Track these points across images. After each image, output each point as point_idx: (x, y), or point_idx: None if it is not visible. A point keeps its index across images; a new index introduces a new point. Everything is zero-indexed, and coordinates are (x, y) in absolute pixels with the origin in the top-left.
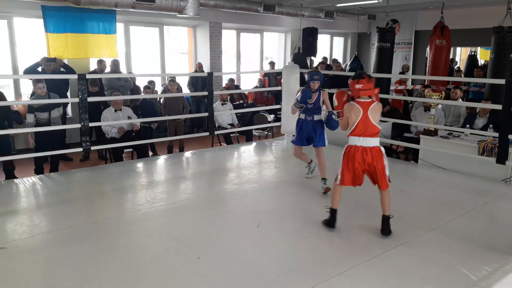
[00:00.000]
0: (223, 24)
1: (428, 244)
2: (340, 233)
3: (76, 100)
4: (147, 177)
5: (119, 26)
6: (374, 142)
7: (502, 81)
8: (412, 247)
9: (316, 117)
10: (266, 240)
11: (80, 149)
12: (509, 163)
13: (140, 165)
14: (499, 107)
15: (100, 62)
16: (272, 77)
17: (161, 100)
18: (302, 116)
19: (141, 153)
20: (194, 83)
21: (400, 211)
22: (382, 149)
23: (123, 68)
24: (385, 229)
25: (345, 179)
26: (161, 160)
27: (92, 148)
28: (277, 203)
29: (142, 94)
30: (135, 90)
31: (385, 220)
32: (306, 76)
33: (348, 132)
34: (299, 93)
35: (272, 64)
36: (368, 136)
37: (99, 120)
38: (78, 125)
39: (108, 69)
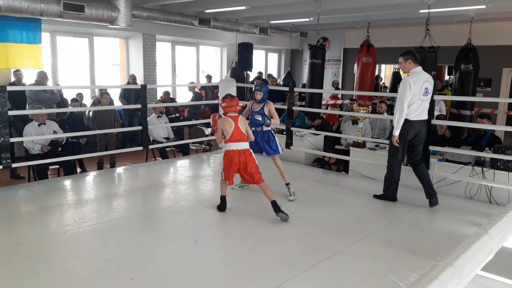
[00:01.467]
0: (157, 36)
1: (360, 252)
2: (276, 246)
3: None
4: (75, 195)
5: (45, 36)
6: (245, 145)
7: None
8: (345, 256)
9: (264, 128)
10: (203, 256)
11: (0, 167)
12: (432, 173)
13: (67, 182)
14: None
15: (16, 73)
16: (209, 91)
17: (90, 114)
18: (253, 127)
19: (68, 169)
20: (127, 95)
21: (332, 221)
22: (251, 150)
23: (49, 80)
24: (278, 210)
25: (226, 175)
26: (91, 176)
27: (13, 165)
28: (215, 218)
29: (70, 107)
30: (62, 103)
31: (273, 204)
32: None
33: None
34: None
35: (209, 77)
36: (240, 141)
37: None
38: None
39: (31, 81)
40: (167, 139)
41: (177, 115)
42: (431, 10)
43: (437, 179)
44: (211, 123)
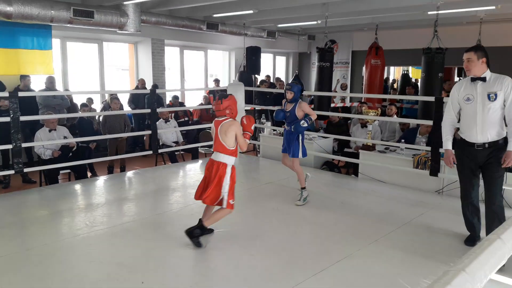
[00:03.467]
0: (166, 41)
1: (371, 256)
2: (286, 249)
3: (7, 119)
4: (86, 199)
5: (55, 42)
6: (221, 157)
7: (432, 99)
8: (355, 260)
9: (293, 128)
10: (213, 260)
11: (12, 172)
12: (441, 175)
13: (78, 186)
14: (430, 122)
15: (24, 78)
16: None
17: (100, 118)
18: (286, 126)
19: (79, 174)
20: (135, 100)
21: (343, 224)
22: (227, 169)
23: (59, 86)
24: (194, 236)
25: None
26: (101, 181)
27: (25, 170)
28: (226, 221)
29: (80, 112)
30: (72, 108)
31: (199, 226)
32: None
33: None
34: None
35: (217, 81)
36: (216, 151)
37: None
38: (10, 146)
39: (38, 87)
40: (176, 143)
41: (186, 119)
42: (440, 12)
43: (448, 182)
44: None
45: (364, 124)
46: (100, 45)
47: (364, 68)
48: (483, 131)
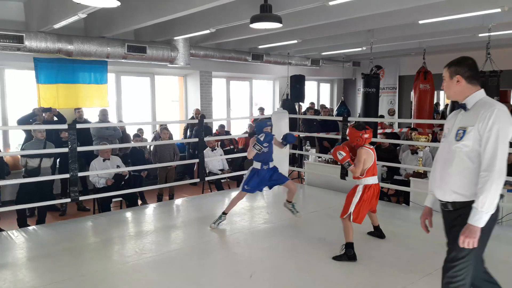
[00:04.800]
0: (213, 72)
1: None
2: (334, 282)
3: (66, 150)
4: (136, 226)
5: (110, 76)
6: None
7: None
8: None
9: (271, 165)
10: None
11: (68, 200)
12: (501, 204)
13: (128, 214)
14: None
15: (78, 110)
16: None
17: (151, 148)
18: (257, 165)
19: (130, 202)
20: (192, 129)
21: (395, 256)
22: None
23: (113, 117)
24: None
25: (361, 214)
26: (151, 208)
27: (80, 198)
28: (270, 251)
29: (132, 142)
30: (125, 138)
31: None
32: (257, 124)
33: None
34: (258, 138)
35: (261, 110)
36: (375, 175)
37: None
38: (67, 175)
39: (92, 119)
40: (222, 170)
41: (232, 147)
42: (491, 34)
43: (508, 211)
44: (343, 153)
45: (414, 151)
46: (152, 78)
47: (412, 93)
48: (442, 184)
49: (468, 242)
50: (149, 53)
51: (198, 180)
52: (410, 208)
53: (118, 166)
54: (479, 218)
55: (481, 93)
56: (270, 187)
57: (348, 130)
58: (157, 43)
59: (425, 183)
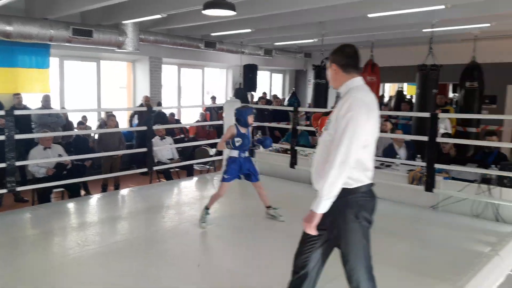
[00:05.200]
0: (164, 59)
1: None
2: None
3: (2, 137)
4: (78, 218)
5: (54, 61)
6: None
7: (427, 114)
8: None
9: (247, 153)
10: (207, 280)
11: (5, 190)
12: (437, 191)
13: (70, 205)
14: (425, 138)
15: (17, 96)
16: (214, 112)
17: (96, 136)
18: (235, 153)
19: (72, 193)
20: (140, 116)
21: None
22: None
23: (56, 104)
24: None
25: None
26: (94, 199)
27: (18, 188)
28: (219, 240)
29: (75, 130)
30: (68, 126)
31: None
32: (238, 111)
33: None
34: (233, 134)
35: (213, 98)
36: None
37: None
38: (3, 165)
39: (33, 105)
40: (172, 160)
41: (182, 136)
42: (435, 29)
43: (443, 197)
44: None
45: None
46: (98, 64)
47: None
48: (315, 174)
49: (304, 225)
50: (96, 37)
51: (145, 169)
52: None
53: (60, 155)
54: (317, 203)
55: (355, 81)
56: (243, 178)
57: (320, 119)
58: (104, 26)
59: None
